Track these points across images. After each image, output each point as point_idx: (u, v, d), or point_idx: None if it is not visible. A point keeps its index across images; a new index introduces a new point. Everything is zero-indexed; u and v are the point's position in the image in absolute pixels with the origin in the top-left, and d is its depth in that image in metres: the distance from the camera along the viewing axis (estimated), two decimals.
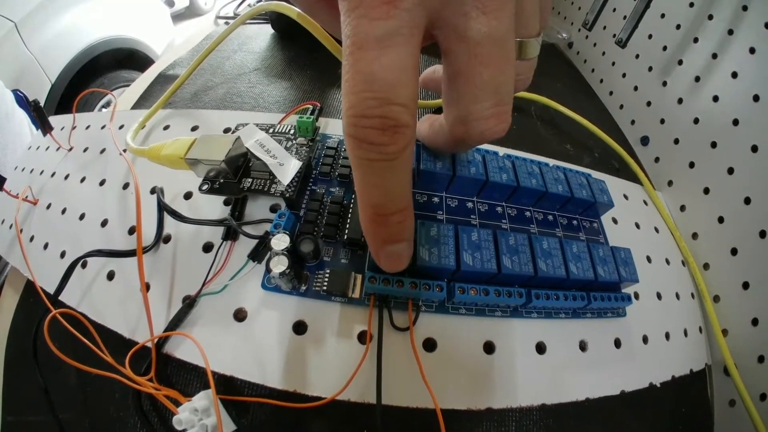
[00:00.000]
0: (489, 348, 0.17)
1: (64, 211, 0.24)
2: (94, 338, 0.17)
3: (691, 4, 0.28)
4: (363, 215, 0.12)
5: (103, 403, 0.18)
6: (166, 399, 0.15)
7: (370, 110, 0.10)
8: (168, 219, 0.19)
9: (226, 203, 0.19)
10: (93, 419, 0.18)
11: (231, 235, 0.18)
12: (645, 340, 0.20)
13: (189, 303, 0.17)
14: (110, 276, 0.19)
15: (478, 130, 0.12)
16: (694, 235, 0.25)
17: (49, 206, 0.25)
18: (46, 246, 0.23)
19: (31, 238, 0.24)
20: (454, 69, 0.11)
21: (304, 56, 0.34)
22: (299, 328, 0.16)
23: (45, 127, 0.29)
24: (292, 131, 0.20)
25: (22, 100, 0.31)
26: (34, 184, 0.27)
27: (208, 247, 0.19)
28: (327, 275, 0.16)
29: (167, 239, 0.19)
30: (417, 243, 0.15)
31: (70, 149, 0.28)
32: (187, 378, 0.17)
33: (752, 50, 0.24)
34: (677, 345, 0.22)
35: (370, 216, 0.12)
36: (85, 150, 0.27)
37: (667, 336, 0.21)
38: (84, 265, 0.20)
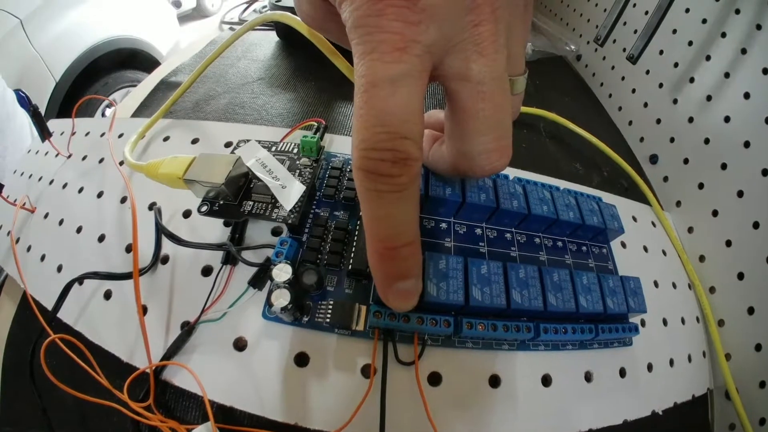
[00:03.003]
0: (494, 382, 0.16)
1: (61, 222, 0.23)
2: (91, 363, 0.16)
3: (704, 21, 0.27)
4: (371, 250, 0.12)
5: (101, 424, 0.17)
6: (170, 430, 0.15)
7: (381, 143, 0.10)
8: (166, 239, 0.19)
9: (226, 224, 0.19)
10: None
11: (231, 259, 0.18)
12: (650, 368, 0.20)
13: (187, 330, 0.16)
14: (107, 295, 0.19)
15: (481, 164, 0.12)
16: (701, 258, 0.25)
17: (46, 216, 0.24)
18: (43, 258, 0.23)
19: (28, 248, 0.24)
20: (459, 106, 0.12)
21: (308, 66, 0.33)
22: (301, 359, 0.16)
23: (44, 133, 0.28)
24: (295, 150, 0.20)
25: (23, 100, 0.30)
26: (32, 190, 0.27)
27: (207, 271, 0.18)
28: (330, 306, 0.15)
29: (165, 260, 0.19)
30: (425, 277, 0.14)
31: (69, 156, 0.27)
32: (186, 405, 0.16)
33: (765, 71, 0.23)
34: (681, 371, 0.21)
35: (379, 250, 0.12)
36: (84, 158, 0.26)
37: (671, 362, 0.21)
38: (81, 282, 0.20)
